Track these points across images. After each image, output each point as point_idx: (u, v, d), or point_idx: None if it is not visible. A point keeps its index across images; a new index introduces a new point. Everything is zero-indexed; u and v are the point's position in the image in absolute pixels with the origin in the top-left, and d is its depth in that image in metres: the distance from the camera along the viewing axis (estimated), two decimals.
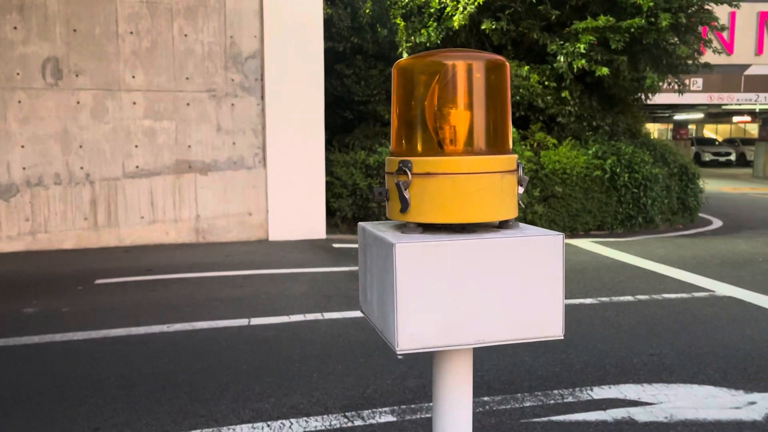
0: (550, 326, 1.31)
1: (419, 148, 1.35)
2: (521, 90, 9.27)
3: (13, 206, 7.44)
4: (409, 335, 1.23)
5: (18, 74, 7.36)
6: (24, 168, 7.44)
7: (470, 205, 1.30)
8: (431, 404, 3.20)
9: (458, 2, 9.37)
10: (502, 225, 1.39)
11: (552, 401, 3.22)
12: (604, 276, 6.17)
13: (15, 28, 7.31)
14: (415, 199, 1.31)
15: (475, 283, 1.26)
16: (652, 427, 2.94)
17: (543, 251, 1.29)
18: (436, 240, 1.25)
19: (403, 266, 1.22)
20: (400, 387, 3.40)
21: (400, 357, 3.81)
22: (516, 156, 1.37)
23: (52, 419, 3.02)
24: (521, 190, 1.37)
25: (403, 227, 1.37)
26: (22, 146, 7.42)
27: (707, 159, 29.40)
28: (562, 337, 1.33)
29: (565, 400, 3.23)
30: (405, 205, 1.32)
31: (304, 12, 8.16)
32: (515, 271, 1.28)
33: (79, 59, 7.52)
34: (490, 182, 1.31)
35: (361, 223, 1.53)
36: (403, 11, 10.12)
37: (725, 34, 20.47)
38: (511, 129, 1.39)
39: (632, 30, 8.72)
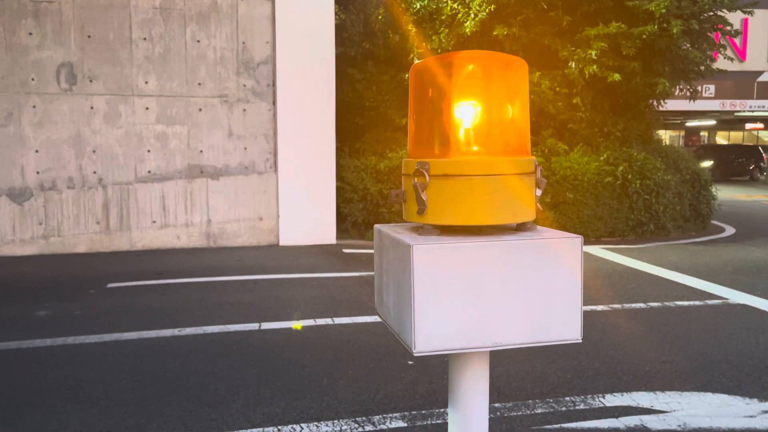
0: (568, 329, 1.29)
1: (436, 149, 1.35)
2: (532, 96, 9.24)
3: (27, 210, 7.50)
4: (426, 337, 1.22)
5: (33, 79, 7.43)
6: (38, 172, 7.50)
7: (488, 206, 1.29)
8: (442, 410, 3.19)
9: (470, 9, 9.38)
10: (520, 227, 1.38)
11: (563, 408, 3.20)
12: (616, 283, 6.13)
13: (30, 33, 7.39)
14: (432, 200, 1.31)
15: (492, 285, 1.25)
16: None
17: (561, 254, 1.28)
18: (454, 242, 1.25)
19: (421, 268, 1.21)
20: (410, 392, 3.38)
21: (410, 363, 3.79)
22: (534, 158, 1.36)
23: (63, 421, 3.03)
24: (539, 192, 1.36)
25: (420, 229, 1.36)
26: (36, 151, 7.48)
27: None
28: (581, 341, 1.32)
29: (577, 407, 3.21)
30: (422, 207, 1.31)
31: (316, 18, 8.19)
32: (533, 273, 1.27)
33: (93, 64, 7.59)
34: (507, 184, 1.30)
35: (377, 225, 1.52)
36: (415, 17, 10.14)
37: (738, 41, 20.38)
38: (529, 130, 1.38)
39: (644, 36, 8.69)
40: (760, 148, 27.01)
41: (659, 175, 9.17)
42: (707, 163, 24.80)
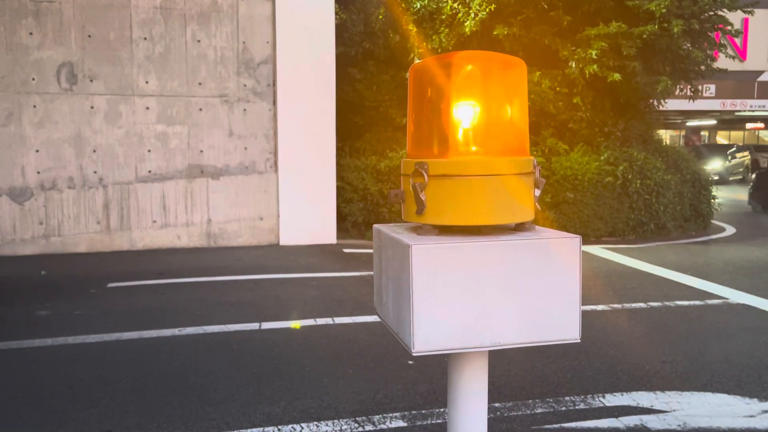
0: (567, 329, 1.30)
1: (435, 150, 1.35)
2: (532, 96, 9.25)
3: (28, 210, 7.50)
4: (425, 337, 1.22)
5: (33, 79, 7.43)
6: (38, 172, 7.51)
7: (486, 207, 1.29)
8: (442, 410, 3.19)
9: (470, 8, 9.38)
10: (519, 227, 1.38)
11: (563, 408, 3.20)
12: (616, 282, 6.13)
13: (31, 33, 7.39)
14: (431, 200, 1.31)
15: (491, 285, 1.25)
16: None
17: (560, 254, 1.28)
18: (452, 242, 1.25)
19: (420, 268, 1.21)
20: (410, 392, 3.38)
21: (410, 362, 3.79)
22: (533, 158, 1.36)
23: (64, 421, 3.03)
24: (538, 192, 1.36)
25: (419, 229, 1.36)
26: (37, 150, 7.49)
27: None
28: (579, 341, 1.31)
29: (577, 407, 3.21)
30: (421, 207, 1.31)
31: (316, 18, 8.19)
32: (531, 273, 1.27)
33: (94, 64, 7.59)
34: (506, 184, 1.30)
35: (376, 225, 1.52)
36: (415, 17, 10.15)
37: (738, 41, 20.37)
38: (528, 130, 1.38)
39: (645, 36, 8.69)
40: (749, 147, 26.93)
41: (659, 174, 9.18)
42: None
